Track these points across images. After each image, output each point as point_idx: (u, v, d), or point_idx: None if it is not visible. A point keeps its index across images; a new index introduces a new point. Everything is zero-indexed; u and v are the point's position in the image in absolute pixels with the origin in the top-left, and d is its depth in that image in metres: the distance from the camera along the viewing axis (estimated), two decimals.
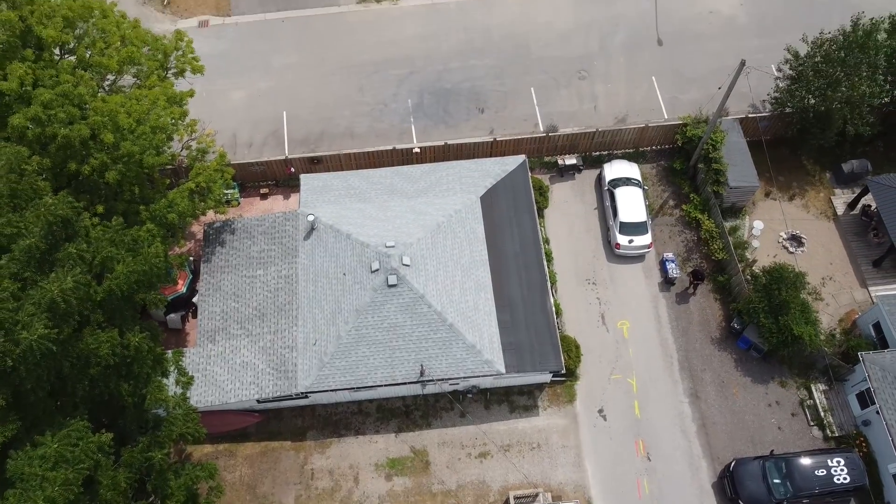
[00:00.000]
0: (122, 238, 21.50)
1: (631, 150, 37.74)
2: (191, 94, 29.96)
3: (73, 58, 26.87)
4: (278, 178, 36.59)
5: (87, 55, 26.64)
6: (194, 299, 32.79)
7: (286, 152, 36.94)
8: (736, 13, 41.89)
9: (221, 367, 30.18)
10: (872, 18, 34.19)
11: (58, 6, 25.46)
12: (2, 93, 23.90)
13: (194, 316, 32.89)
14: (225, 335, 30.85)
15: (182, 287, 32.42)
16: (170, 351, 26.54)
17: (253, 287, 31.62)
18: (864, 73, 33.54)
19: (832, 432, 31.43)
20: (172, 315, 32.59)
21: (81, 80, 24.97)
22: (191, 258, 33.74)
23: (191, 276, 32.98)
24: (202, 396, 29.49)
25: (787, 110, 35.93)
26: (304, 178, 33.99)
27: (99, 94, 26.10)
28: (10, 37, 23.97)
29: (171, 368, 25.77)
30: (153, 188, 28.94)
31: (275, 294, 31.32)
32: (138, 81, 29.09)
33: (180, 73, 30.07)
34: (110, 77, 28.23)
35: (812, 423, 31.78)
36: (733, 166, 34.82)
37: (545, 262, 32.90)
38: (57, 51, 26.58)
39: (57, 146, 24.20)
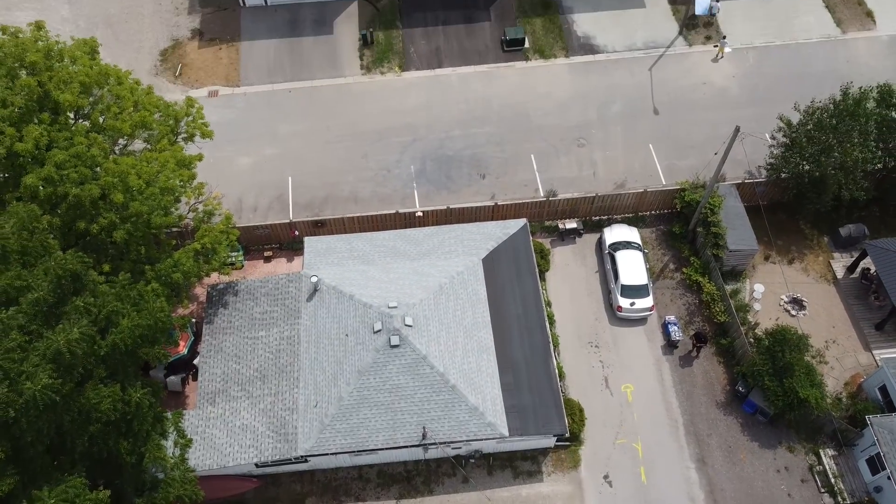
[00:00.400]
0: (128, 293, 21.66)
1: (630, 215, 38.29)
2: (199, 157, 30.69)
3: (87, 123, 27.68)
4: (282, 241, 37.00)
5: (101, 120, 27.48)
6: (195, 361, 32.63)
7: (290, 216, 37.50)
8: (728, 84, 43.28)
9: (221, 429, 29.75)
10: (861, 87, 35.37)
11: (75, 73, 26.45)
12: (17, 154, 24.55)
13: (194, 378, 32.64)
14: (225, 397, 30.55)
15: (183, 349, 32.34)
16: (169, 413, 26.26)
17: (255, 348, 31.52)
18: (856, 140, 34.41)
19: (844, 499, 30.71)
20: (172, 377, 32.35)
21: (95, 142, 25.67)
22: (193, 320, 33.78)
23: (192, 338, 32.93)
24: (200, 459, 28.93)
25: (783, 176, 36.65)
26: (308, 241, 34.39)
27: (111, 157, 26.74)
28: (28, 101, 24.82)
29: (171, 429, 25.43)
30: (159, 249, 29.25)
31: (276, 355, 31.19)
32: (149, 146, 29.84)
33: (190, 137, 30.87)
34: (122, 141, 28.99)
35: (823, 490, 31.07)
36: (732, 230, 35.28)
37: (547, 325, 32.89)
38: (72, 115, 27.42)
39: (67, 205, 24.68)
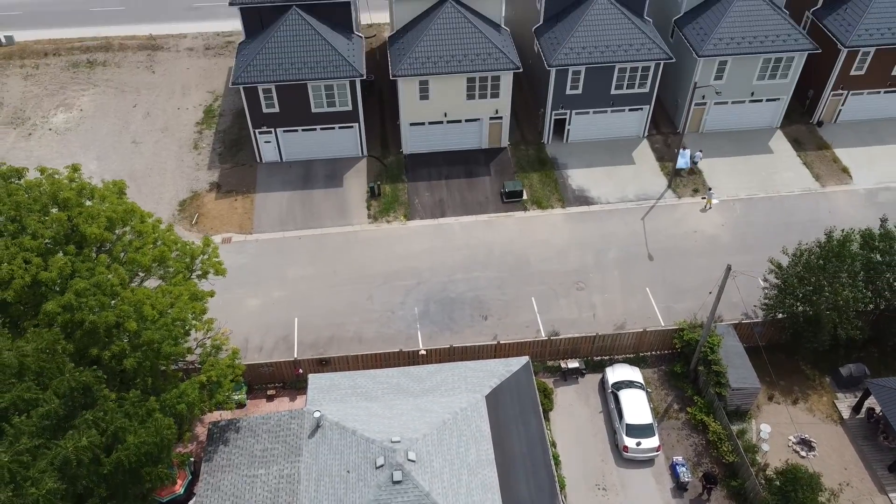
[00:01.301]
0: (136, 411, 21.74)
1: (631, 355, 38.69)
2: (211, 294, 31.78)
3: (109, 258, 29.07)
4: (286, 380, 37.15)
5: (122, 255, 28.93)
6: (191, 503, 31.62)
7: (295, 354, 37.92)
8: (718, 233, 45.40)
9: None
10: (843, 230, 37.21)
11: (103, 210, 28.26)
12: (40, 283, 25.66)
13: None
14: None
15: (180, 488, 31.49)
16: None
17: (253, 487, 30.67)
18: (845, 280, 35.65)
19: None
20: None
21: (115, 272, 26.89)
22: (192, 458, 33.15)
23: (190, 477, 32.16)
24: None
25: (779, 316, 37.51)
26: (312, 378, 34.54)
27: (129, 288, 27.86)
28: (56, 234, 26.35)
29: None
30: (165, 381, 29.47)
31: (275, 495, 30.30)
32: (164, 282, 31.01)
33: (204, 275, 32.12)
34: (140, 275, 30.22)
35: None
36: (733, 369, 35.56)
37: (553, 465, 32.22)
38: (96, 249, 28.85)
39: (83, 332, 25.35)
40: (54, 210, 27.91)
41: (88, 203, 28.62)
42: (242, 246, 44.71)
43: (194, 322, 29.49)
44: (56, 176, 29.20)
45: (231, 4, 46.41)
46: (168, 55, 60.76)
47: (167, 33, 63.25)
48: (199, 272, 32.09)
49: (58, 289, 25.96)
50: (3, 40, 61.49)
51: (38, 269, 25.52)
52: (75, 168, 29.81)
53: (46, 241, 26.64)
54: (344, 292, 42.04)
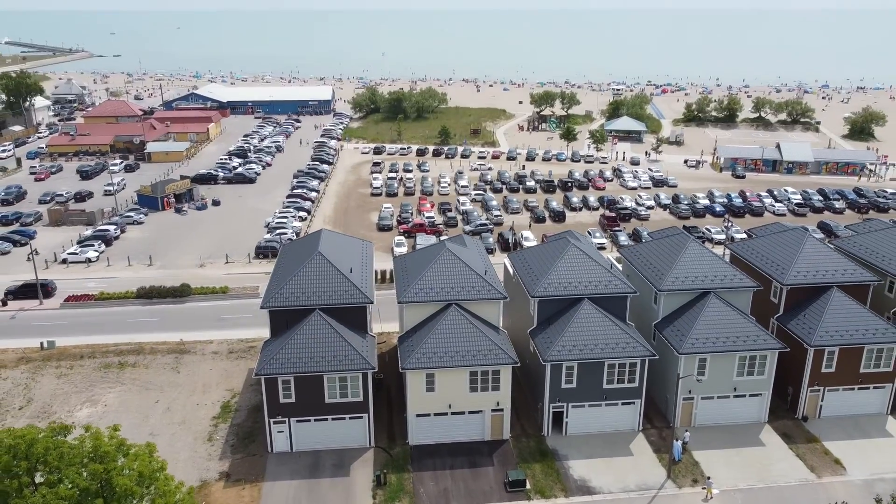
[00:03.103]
0: None
1: None
2: None
3: None
4: None
5: None
6: None
7: None
8: None
9: None
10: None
11: (135, 466, 30.16)
12: None
13: None
14: None
15: None
16: None
17: None
18: None
19: None
20: None
21: None
22: None
23: None
24: None
25: None
26: None
27: None
28: (90, 485, 27.95)
29: None
30: None
31: None
32: None
33: None
34: None
35: None
36: None
37: None
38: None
39: None
40: (89, 463, 29.84)
41: (122, 460, 30.63)
42: None
43: None
44: (99, 437, 31.64)
45: (262, 308, 52.82)
46: (194, 358, 66.05)
47: (196, 339, 69.50)
48: None
49: None
50: (46, 344, 67.41)
51: None
52: (115, 428, 32.42)
53: (80, 491, 28.13)
54: None
